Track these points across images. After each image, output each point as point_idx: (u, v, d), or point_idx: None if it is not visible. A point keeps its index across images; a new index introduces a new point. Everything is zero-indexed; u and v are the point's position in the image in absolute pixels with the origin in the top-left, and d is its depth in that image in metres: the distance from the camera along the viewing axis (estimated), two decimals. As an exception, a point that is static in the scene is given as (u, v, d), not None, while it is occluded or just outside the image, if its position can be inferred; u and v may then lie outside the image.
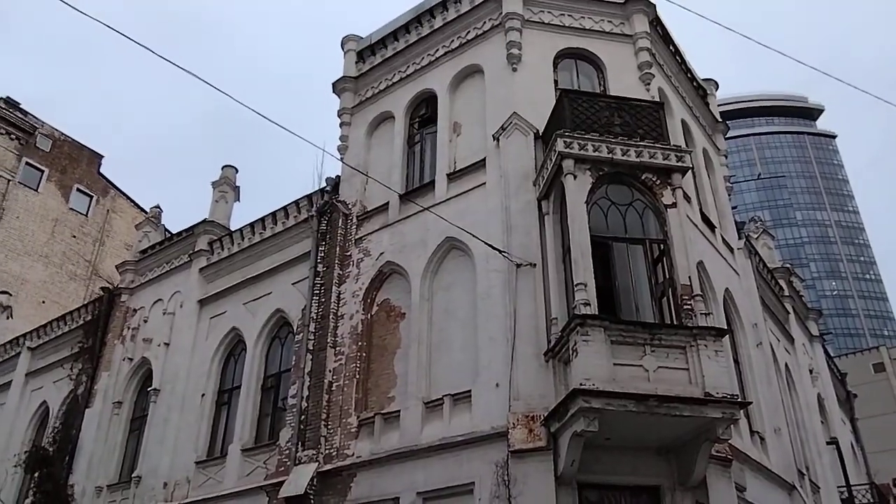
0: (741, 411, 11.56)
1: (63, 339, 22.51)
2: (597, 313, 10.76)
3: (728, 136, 20.71)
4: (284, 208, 17.66)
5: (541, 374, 11.50)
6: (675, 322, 11.23)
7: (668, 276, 11.75)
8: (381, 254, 14.88)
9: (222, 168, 21.06)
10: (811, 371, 22.30)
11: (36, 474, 18.52)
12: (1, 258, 35.57)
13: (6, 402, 23.09)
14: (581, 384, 10.02)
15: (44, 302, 34.45)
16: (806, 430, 19.40)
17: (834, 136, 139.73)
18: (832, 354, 30.29)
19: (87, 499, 17.80)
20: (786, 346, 20.34)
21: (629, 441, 10.81)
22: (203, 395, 17.06)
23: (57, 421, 20.77)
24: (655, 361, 10.47)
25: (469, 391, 12.26)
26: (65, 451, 19.10)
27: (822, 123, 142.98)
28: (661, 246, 11.97)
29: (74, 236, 38.92)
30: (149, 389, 18.38)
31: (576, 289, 11.03)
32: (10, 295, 30.67)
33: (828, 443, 21.21)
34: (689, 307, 11.18)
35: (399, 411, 13.04)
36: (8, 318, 28.47)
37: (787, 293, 21.84)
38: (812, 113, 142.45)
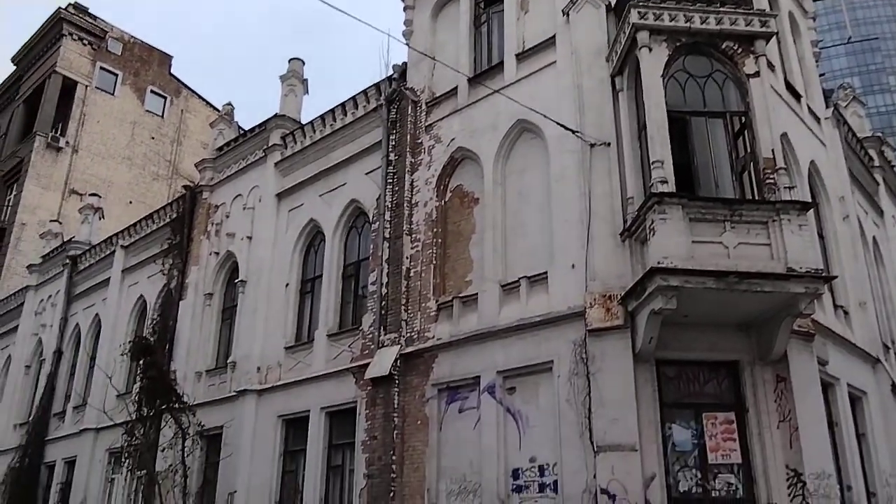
0: (825, 286, 11.35)
1: (152, 236, 23.52)
2: (674, 191, 10.56)
3: (817, -3, 19.24)
4: (353, 98, 17.55)
5: (617, 254, 11.47)
6: (756, 197, 10.94)
7: (749, 150, 11.36)
8: (452, 139, 14.78)
9: (289, 61, 20.92)
10: (901, 243, 21.46)
11: (141, 362, 19.76)
12: (87, 162, 37.09)
13: (107, 297, 24.58)
14: (659, 263, 10.00)
15: (131, 202, 36.01)
16: (893, 304, 18.89)
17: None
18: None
19: (188, 383, 19.05)
20: (874, 219, 19.52)
21: (708, 318, 10.84)
22: (287, 284, 17.74)
23: (154, 313, 22.01)
24: (736, 238, 10.32)
25: (545, 273, 12.35)
26: (164, 340, 20.38)
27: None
28: (743, 118, 11.51)
29: (153, 137, 40.01)
30: (236, 281, 19.21)
31: (652, 166, 10.80)
32: (100, 197, 31.97)
33: (917, 316, 20.66)
34: (772, 181, 10.83)
35: (476, 294, 13.29)
36: (100, 218, 29.73)
37: (877, 163, 20.74)
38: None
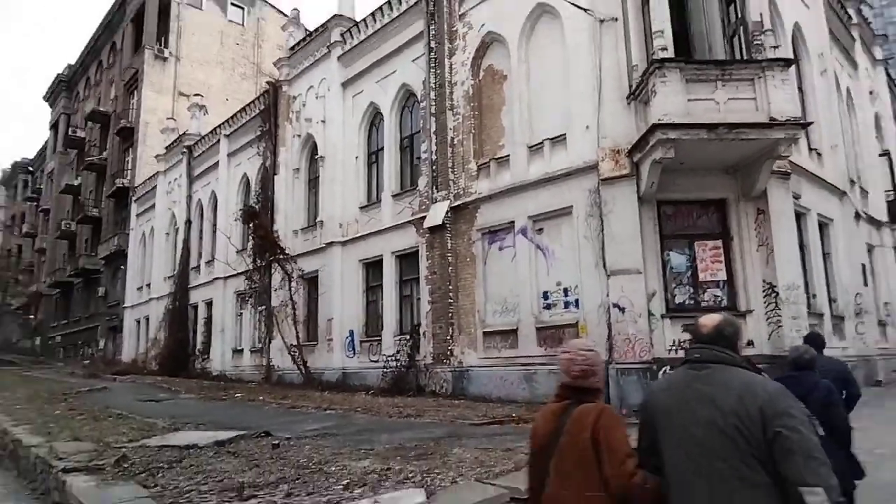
0: (802, 132, 10.84)
1: (247, 125, 23.47)
2: (673, 56, 9.98)
3: None
4: (397, -5, 16.64)
5: (624, 115, 11.06)
6: (745, 57, 10.25)
7: (739, 16, 10.52)
8: (483, 25, 14.02)
9: (342, -34, 19.73)
10: (871, 92, 20.05)
11: (250, 225, 20.44)
12: (188, 68, 36.58)
13: (219, 177, 25.03)
14: (659, 119, 9.64)
15: (227, 99, 35.64)
16: (860, 145, 17.97)
17: None
18: (894, 77, 26.85)
19: (288, 239, 19.71)
20: (849, 72, 18.15)
21: (700, 164, 10.52)
22: (357, 157, 17.74)
23: (256, 186, 22.42)
24: (726, 94, 9.80)
25: (564, 134, 12.07)
26: (266, 207, 20.88)
27: None
28: (735, -13, 10.57)
29: (237, 44, 38.98)
30: (316, 157, 19.27)
31: (654, 36, 10.17)
32: (202, 96, 31.84)
33: (880, 155, 19.66)
34: (759, 42, 10.12)
35: (508, 155, 13.12)
36: (205, 114, 29.73)
37: (854, 21, 19.00)
38: None
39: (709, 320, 2.37)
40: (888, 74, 23.13)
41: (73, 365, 32.21)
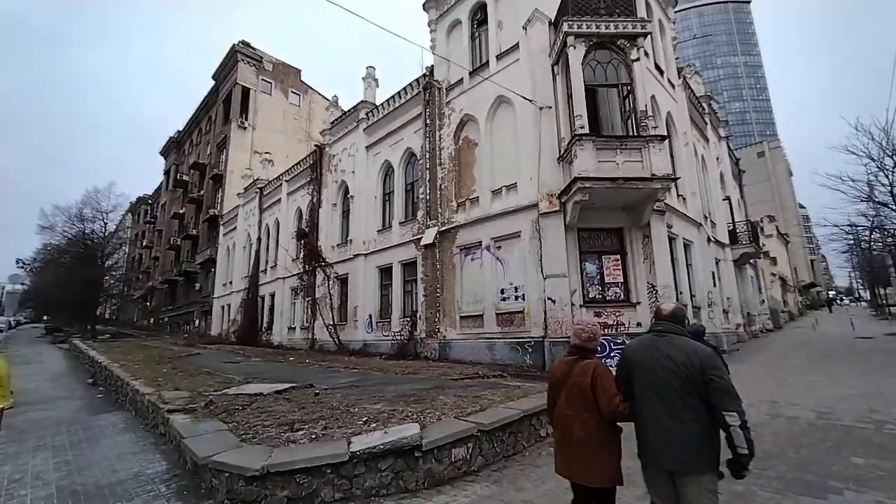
0: (672, 183, 10.99)
1: (301, 174, 23.20)
2: (588, 132, 10.12)
3: (676, 9, 17.36)
4: (404, 88, 16.65)
5: (556, 171, 11.15)
6: (635, 134, 10.41)
7: (632, 107, 10.68)
8: (461, 109, 14.09)
9: (366, 68, 19.74)
10: (717, 158, 20.50)
11: (301, 241, 20.17)
12: (262, 135, 36.26)
13: (281, 209, 24.62)
14: (579, 174, 9.74)
15: (287, 156, 35.32)
16: (710, 193, 18.31)
17: (748, 1, 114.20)
18: (733, 148, 27.43)
19: (327, 252, 19.43)
20: (703, 145, 18.55)
21: (606, 204, 10.64)
22: (376, 196, 17.60)
23: (306, 215, 22.11)
24: (623, 158, 9.95)
25: (515, 182, 12.11)
26: (313, 229, 20.61)
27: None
28: (628, 87, 10.74)
29: (295, 118, 38.73)
30: (348, 196, 19.10)
31: (575, 118, 10.27)
32: (270, 154, 31.53)
33: (723, 199, 20.06)
34: (645, 124, 10.28)
35: (478, 196, 13.13)
36: (272, 166, 29.45)
37: (706, 111, 19.49)
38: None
39: (667, 306, 2.64)
40: (728, 146, 23.68)
41: (176, 337, 31.44)
